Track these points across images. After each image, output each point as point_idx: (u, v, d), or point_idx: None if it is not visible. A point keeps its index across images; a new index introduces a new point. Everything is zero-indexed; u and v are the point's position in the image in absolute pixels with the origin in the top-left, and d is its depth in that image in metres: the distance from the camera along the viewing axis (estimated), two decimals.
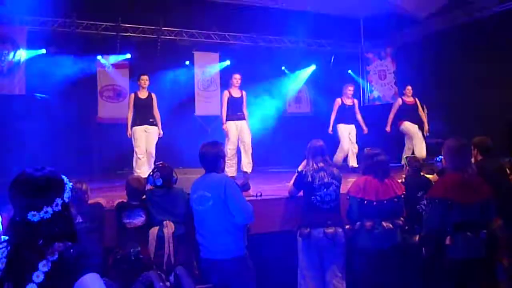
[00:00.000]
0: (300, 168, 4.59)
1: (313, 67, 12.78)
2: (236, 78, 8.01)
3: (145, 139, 7.63)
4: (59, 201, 1.79)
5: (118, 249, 3.95)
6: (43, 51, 9.81)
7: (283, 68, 12.71)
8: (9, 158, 8.27)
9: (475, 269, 3.71)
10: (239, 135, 7.92)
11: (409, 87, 8.95)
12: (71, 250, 1.74)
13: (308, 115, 13.30)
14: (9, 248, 1.71)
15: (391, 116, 8.96)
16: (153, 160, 7.47)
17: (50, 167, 1.87)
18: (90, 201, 4.18)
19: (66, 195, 1.83)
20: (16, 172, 1.84)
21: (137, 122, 7.62)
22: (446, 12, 10.85)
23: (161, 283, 3.75)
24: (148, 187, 4.31)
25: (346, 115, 8.85)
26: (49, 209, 1.76)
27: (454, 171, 3.84)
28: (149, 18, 10.58)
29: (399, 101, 9.00)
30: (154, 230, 4.06)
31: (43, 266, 1.66)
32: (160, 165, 4.36)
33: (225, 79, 11.76)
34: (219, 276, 3.80)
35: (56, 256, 1.69)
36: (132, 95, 7.79)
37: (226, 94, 8.07)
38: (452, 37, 10.59)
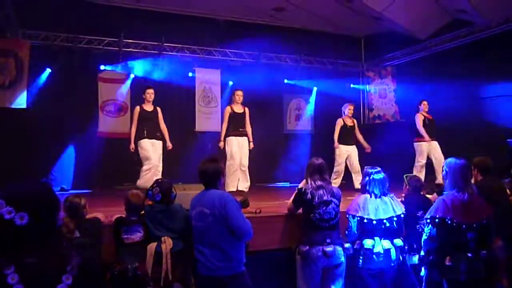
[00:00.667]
0: (300, 186, 4.58)
1: (315, 90, 12.85)
2: (238, 94, 7.99)
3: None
4: (56, 214, 1.80)
5: (116, 265, 3.91)
6: (48, 71, 9.90)
7: (286, 81, 12.74)
8: (10, 170, 8.29)
9: None
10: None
11: (425, 102, 8.70)
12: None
13: (309, 132, 13.32)
14: None
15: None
16: (159, 174, 7.32)
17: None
18: (88, 216, 4.15)
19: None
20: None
21: (143, 135, 7.49)
22: (447, 32, 10.95)
23: None
24: (147, 202, 4.29)
25: (347, 136, 8.62)
26: (49, 222, 1.76)
27: (455, 191, 3.83)
28: (151, 34, 10.67)
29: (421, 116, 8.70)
30: (152, 246, 4.03)
31: (66, 280, 1.67)
32: (160, 180, 4.35)
33: (225, 96, 11.85)
34: None
35: (76, 271, 1.70)
36: (138, 108, 7.65)
37: (228, 109, 8.05)
38: (453, 57, 10.67)
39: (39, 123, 9.24)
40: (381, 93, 12.72)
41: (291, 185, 7.28)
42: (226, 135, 7.94)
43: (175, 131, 10.74)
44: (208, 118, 11.87)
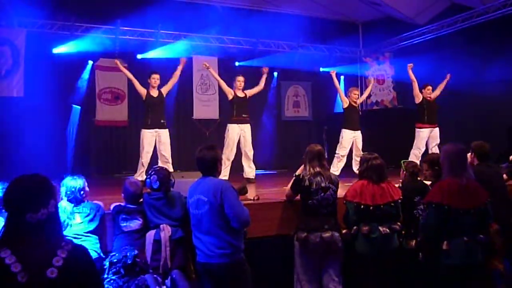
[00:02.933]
0: (298, 173, 4.59)
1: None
2: (240, 80, 7.93)
3: (156, 144, 7.44)
4: (52, 203, 1.95)
5: (115, 253, 3.93)
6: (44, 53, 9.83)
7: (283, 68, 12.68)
8: (7, 159, 8.29)
9: (471, 274, 3.72)
10: (242, 141, 7.78)
11: (429, 87, 8.63)
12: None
13: (307, 119, 13.33)
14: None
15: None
16: (169, 165, 7.22)
17: (41, 172, 2.04)
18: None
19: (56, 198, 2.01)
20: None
21: (148, 123, 7.42)
22: (445, 18, 10.89)
23: (157, 287, 3.77)
24: (146, 190, 4.30)
25: (352, 120, 8.46)
26: (45, 211, 1.91)
27: (451, 177, 3.84)
28: (148, 21, 10.59)
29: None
30: (151, 234, 4.05)
31: (61, 253, 1.87)
32: (158, 168, 4.36)
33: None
34: (215, 280, 3.80)
35: (70, 246, 1.91)
36: (144, 91, 7.52)
37: (230, 91, 7.91)
38: (451, 42, 10.62)
39: (37, 111, 9.21)
40: (379, 79, 12.69)
41: (289, 171, 7.27)
42: (229, 122, 7.84)
43: (173, 118, 10.80)
44: (205, 106, 11.85)
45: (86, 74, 10.70)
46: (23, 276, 1.80)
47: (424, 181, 5.19)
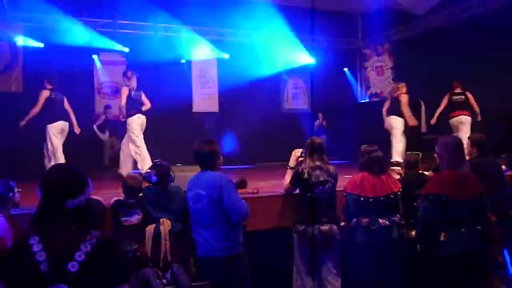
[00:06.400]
0: (291, 164, 4.61)
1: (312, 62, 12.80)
2: None
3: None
4: (87, 190, 2.03)
5: None
6: (41, 44, 9.79)
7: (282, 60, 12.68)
8: (7, 153, 8.29)
9: (469, 265, 3.73)
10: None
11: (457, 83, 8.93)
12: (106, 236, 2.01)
13: (306, 111, 13.31)
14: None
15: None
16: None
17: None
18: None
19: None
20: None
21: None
22: (444, 8, 10.86)
23: (157, 281, 3.79)
24: (145, 184, 4.31)
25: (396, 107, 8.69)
26: (82, 197, 1.99)
27: (449, 168, 3.86)
28: (146, 15, 10.57)
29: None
30: (150, 228, 4.06)
31: (84, 248, 1.88)
32: (158, 162, 4.36)
33: (223, 76, 11.81)
34: (215, 274, 3.82)
35: (95, 241, 1.91)
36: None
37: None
38: (450, 33, 10.60)
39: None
40: (378, 70, 12.67)
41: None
42: None
43: (172, 112, 10.80)
44: (205, 99, 11.85)
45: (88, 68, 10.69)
46: (46, 266, 1.83)
47: (424, 172, 5.21)
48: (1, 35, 9.45)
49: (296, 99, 13.23)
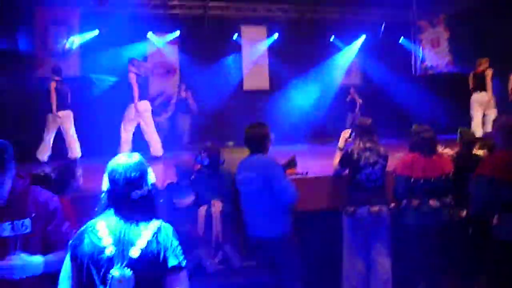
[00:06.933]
0: (340, 145, 4.59)
1: (363, 38, 12.50)
2: None
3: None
4: (149, 180, 2.16)
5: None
6: (96, 32, 10.09)
7: (332, 39, 12.47)
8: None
9: None
10: None
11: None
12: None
13: (359, 85, 13.05)
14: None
15: None
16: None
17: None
18: None
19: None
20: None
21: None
22: None
23: (210, 260, 3.95)
24: (196, 167, 4.44)
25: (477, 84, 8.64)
26: (146, 188, 2.12)
27: (505, 150, 3.73)
28: None
29: None
30: (202, 209, 4.20)
31: (146, 235, 2.04)
32: (209, 145, 4.46)
33: (273, 53, 11.77)
34: (265, 254, 3.93)
35: (156, 229, 2.07)
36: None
37: None
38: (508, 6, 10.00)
39: (90, 90, 9.59)
40: (434, 42, 12.20)
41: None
42: None
43: (223, 91, 10.94)
44: (256, 77, 11.86)
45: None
46: (111, 251, 1.99)
47: (478, 153, 5.04)
48: (59, 20, 9.80)
49: (348, 75, 12.97)
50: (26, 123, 8.49)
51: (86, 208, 2.54)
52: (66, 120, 7.67)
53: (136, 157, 2.17)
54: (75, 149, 7.70)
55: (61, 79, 7.77)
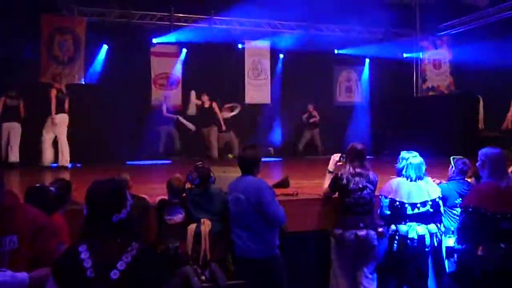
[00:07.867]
0: (330, 168, 4.66)
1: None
2: None
3: None
4: (128, 203, 2.21)
5: (158, 244, 4.19)
6: (105, 47, 10.29)
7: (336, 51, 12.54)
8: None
9: (507, 283, 3.65)
10: None
11: None
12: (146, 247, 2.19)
13: (360, 104, 13.14)
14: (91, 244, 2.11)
15: None
16: None
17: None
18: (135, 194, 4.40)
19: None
20: None
21: None
22: (507, 0, 10.34)
23: (196, 278, 3.99)
24: (188, 186, 4.51)
25: None
26: (125, 211, 2.18)
27: (491, 180, 3.78)
28: (201, 8, 10.78)
29: None
30: (192, 227, 4.26)
31: (125, 258, 2.07)
32: (199, 165, 4.53)
33: (275, 68, 11.88)
34: (252, 274, 3.96)
35: (135, 252, 2.10)
36: None
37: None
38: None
39: (100, 98, 9.72)
40: (436, 63, 12.28)
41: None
42: None
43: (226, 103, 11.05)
44: (257, 91, 11.96)
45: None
46: (91, 272, 2.04)
47: (469, 180, 5.04)
48: (66, 29, 9.95)
49: (349, 92, 13.07)
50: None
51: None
52: (61, 124, 8.30)
53: (114, 180, 2.25)
54: (65, 157, 8.32)
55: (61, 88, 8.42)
